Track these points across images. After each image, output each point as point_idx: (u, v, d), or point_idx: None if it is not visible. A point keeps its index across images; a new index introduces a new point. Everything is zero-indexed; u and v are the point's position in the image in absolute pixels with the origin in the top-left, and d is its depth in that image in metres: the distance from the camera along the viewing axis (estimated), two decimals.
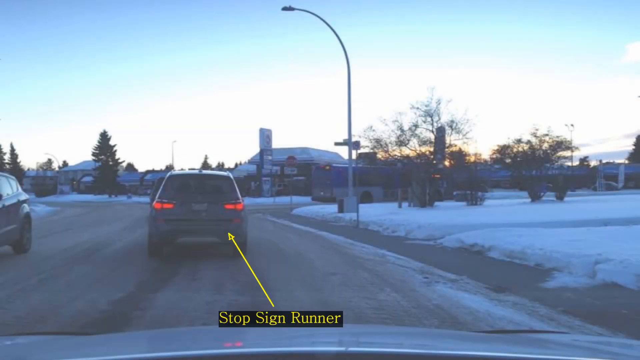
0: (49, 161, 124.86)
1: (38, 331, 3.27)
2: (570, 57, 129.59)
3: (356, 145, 19.17)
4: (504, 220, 15.06)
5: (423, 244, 12.88)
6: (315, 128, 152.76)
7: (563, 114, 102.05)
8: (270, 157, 52.27)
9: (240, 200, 10.24)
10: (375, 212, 20.28)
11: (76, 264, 9.87)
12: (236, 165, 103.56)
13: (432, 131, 24.35)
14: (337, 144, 24.15)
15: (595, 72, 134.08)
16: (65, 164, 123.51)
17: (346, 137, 24.50)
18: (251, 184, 59.84)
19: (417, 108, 24.11)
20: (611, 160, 78.16)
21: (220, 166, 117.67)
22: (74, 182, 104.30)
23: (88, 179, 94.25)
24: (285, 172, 67.27)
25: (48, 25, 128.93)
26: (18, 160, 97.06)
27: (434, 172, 24.95)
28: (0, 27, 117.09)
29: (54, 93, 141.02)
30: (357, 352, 1.65)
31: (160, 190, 10.23)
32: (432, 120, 24.14)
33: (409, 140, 24.66)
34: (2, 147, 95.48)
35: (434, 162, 24.72)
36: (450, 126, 23.84)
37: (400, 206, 27.31)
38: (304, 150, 60.13)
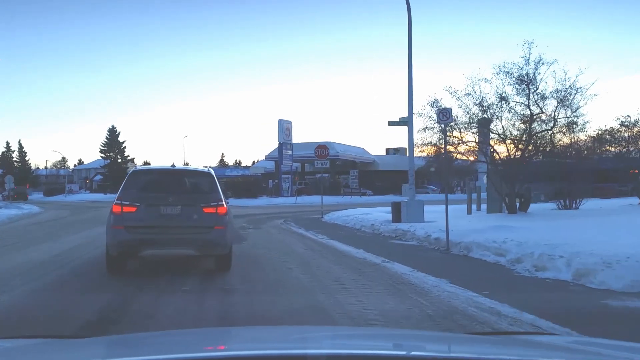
0: (63, 159, 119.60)
1: (25, 335, 2.57)
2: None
3: (446, 115, 10.97)
4: None
5: None
6: (337, 123, 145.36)
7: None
8: (290, 152, 44.83)
9: (223, 202, 7.95)
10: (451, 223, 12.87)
11: None
12: (253, 162, 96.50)
13: (528, 106, 16.63)
14: (392, 123, 16.59)
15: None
16: (80, 162, 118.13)
17: (401, 116, 17.03)
18: (269, 182, 52.42)
19: (507, 73, 16.44)
20: None
21: (237, 164, 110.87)
22: (87, 181, 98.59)
23: (100, 177, 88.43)
24: (312, 167, 59.75)
25: (58, 25, 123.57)
26: (27, 159, 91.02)
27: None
28: (9, 27, 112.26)
29: (66, 91, 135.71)
30: (349, 354, 1.62)
31: (120, 189, 7.97)
32: (528, 89, 16.45)
33: (490, 119, 17.00)
34: (10, 145, 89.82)
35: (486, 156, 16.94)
36: (557, 98, 16.12)
37: (469, 212, 19.79)
38: (328, 144, 52.39)
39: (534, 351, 1.89)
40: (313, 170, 60.13)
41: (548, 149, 16.99)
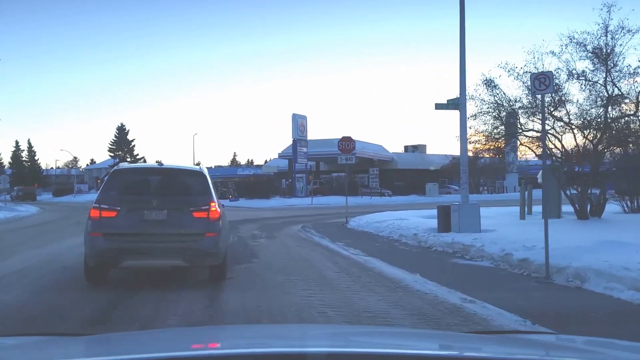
0: (75, 159, 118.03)
1: (27, 332, 2.72)
2: None
3: (544, 82, 7.43)
4: None
5: None
6: (351, 119, 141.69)
7: None
8: (304, 149, 41.62)
9: (216, 206, 6.94)
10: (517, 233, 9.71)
11: None
12: (265, 162, 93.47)
13: (604, 85, 13.28)
14: (439, 106, 13.19)
15: None
16: (92, 162, 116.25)
17: (450, 97, 13.77)
18: (282, 182, 49.26)
19: (578, 44, 13.09)
20: None
21: (250, 163, 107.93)
22: (98, 181, 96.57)
23: None
24: (326, 166, 56.10)
25: (68, 23, 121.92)
26: (36, 158, 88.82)
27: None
28: (20, 26, 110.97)
29: (75, 90, 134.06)
30: (349, 352, 1.60)
31: (99, 191, 7.17)
32: (605, 65, 13.11)
33: (557, 103, 13.65)
34: (19, 144, 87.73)
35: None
36: None
37: (523, 216, 16.45)
38: None
39: (535, 350, 1.83)
40: (328, 169, 56.94)
41: (632, 139, 13.57)
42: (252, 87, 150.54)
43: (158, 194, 7.05)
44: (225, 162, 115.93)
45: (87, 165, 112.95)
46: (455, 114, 13.19)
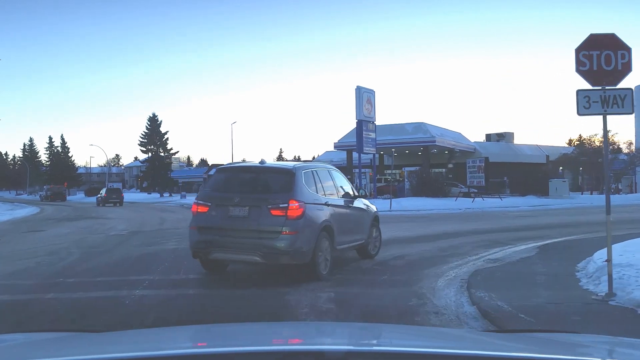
0: (117, 157, 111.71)
1: (39, 329, 2.73)
2: None
3: None
4: None
5: None
6: (417, 104, 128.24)
7: None
8: (372, 135, 30.35)
9: (298, 204, 6.85)
10: None
11: None
12: (313, 157, 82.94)
13: None
14: None
15: None
16: (137, 159, 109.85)
17: None
18: None
19: None
20: None
21: (297, 159, 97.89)
22: (139, 179, 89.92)
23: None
24: (392, 160, 43.52)
25: (101, 15, 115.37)
26: (70, 154, 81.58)
27: None
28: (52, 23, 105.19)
29: (110, 86, 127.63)
30: (367, 350, 1.58)
31: (201, 187, 8.42)
32: None
33: None
34: (53, 141, 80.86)
35: None
36: None
37: None
38: (419, 126, 37.59)
39: (549, 349, 1.75)
40: (395, 163, 45.60)
41: None
42: (299, 79, 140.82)
43: (243, 191, 7.21)
44: (272, 158, 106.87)
45: (133, 161, 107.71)
46: None
